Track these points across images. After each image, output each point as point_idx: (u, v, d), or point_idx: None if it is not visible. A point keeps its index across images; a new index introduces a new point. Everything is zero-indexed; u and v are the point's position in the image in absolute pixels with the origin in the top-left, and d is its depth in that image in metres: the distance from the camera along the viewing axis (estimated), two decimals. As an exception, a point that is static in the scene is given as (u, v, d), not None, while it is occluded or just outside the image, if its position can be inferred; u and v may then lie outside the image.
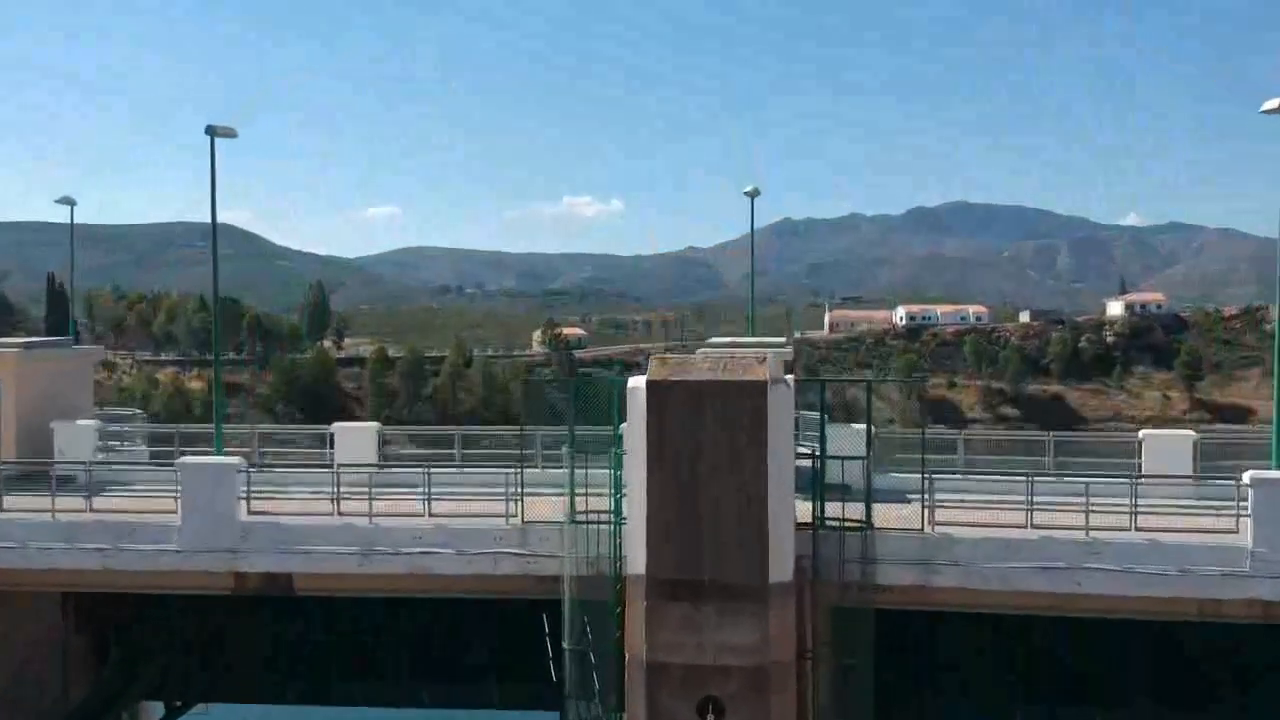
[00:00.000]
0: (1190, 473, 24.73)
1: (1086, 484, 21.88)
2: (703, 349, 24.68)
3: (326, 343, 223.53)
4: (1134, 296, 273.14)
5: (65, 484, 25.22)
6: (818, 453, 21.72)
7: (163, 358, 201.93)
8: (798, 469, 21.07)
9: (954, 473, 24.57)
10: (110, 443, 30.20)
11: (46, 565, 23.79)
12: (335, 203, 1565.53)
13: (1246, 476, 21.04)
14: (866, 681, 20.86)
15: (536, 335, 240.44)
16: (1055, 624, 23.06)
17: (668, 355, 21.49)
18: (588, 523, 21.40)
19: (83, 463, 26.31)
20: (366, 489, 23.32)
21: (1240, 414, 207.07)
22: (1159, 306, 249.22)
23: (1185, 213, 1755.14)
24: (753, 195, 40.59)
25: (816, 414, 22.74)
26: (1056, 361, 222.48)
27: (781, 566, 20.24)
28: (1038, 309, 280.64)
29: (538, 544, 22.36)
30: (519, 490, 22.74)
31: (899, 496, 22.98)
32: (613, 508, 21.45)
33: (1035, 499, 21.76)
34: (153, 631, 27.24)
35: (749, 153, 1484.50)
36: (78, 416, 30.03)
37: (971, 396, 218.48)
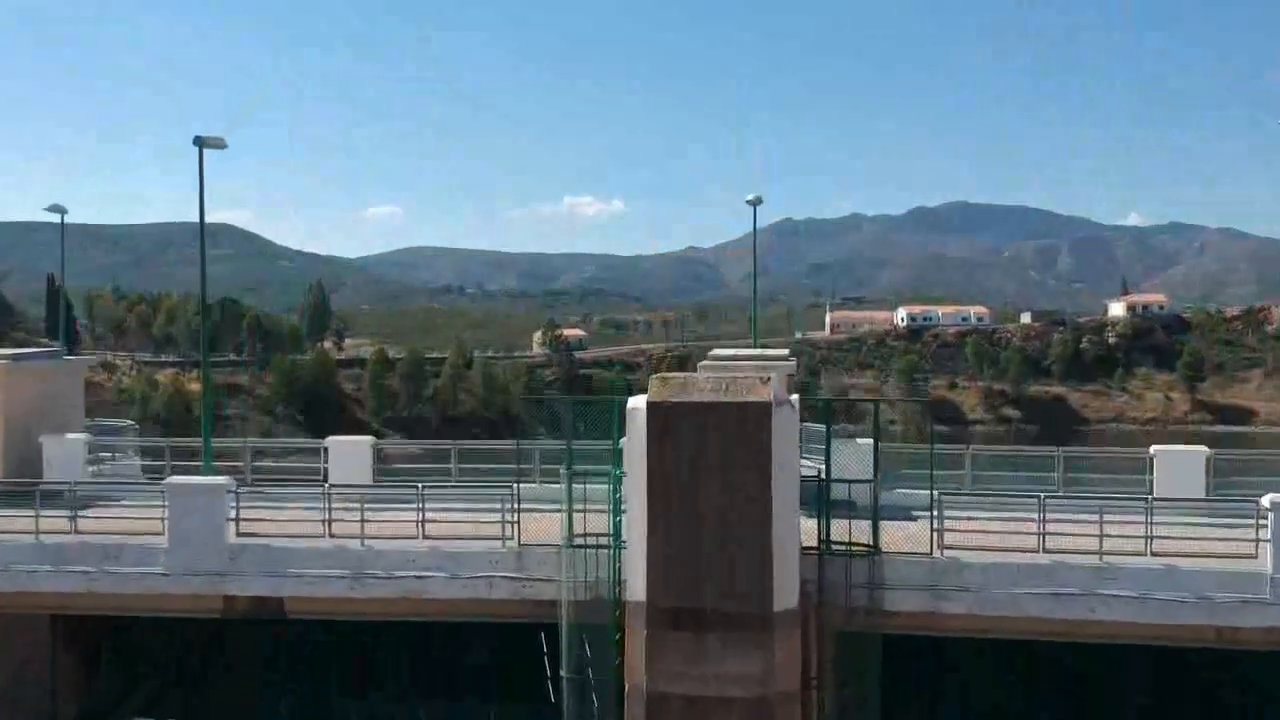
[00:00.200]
0: (1203, 490, 24.13)
1: (1100, 507, 21.21)
2: (704, 363, 24.15)
3: (327, 344, 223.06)
4: (1136, 297, 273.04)
5: (52, 499, 24.66)
6: (822, 473, 21.09)
7: (163, 359, 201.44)
8: (801, 483, 20.46)
9: (962, 492, 24.01)
10: (101, 454, 29.61)
11: (30, 588, 23.27)
12: (336, 203, 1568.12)
13: (1266, 500, 20.39)
14: (873, 707, 20.28)
15: (537, 336, 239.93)
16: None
17: (668, 375, 20.80)
18: (585, 546, 20.79)
19: (68, 483, 25.80)
20: (359, 509, 22.75)
21: (1242, 415, 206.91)
22: (1161, 308, 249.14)
23: (1186, 213, 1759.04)
24: (755, 203, 40.19)
25: (820, 425, 22.15)
26: (1058, 363, 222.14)
27: (786, 594, 19.62)
28: (1039, 310, 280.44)
29: (534, 567, 21.74)
30: (515, 508, 22.13)
31: (905, 513, 22.34)
32: (611, 530, 20.84)
33: (1046, 519, 21.07)
34: (143, 649, 26.79)
35: (750, 152, 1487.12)
36: (68, 429, 29.45)
37: (973, 398, 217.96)
